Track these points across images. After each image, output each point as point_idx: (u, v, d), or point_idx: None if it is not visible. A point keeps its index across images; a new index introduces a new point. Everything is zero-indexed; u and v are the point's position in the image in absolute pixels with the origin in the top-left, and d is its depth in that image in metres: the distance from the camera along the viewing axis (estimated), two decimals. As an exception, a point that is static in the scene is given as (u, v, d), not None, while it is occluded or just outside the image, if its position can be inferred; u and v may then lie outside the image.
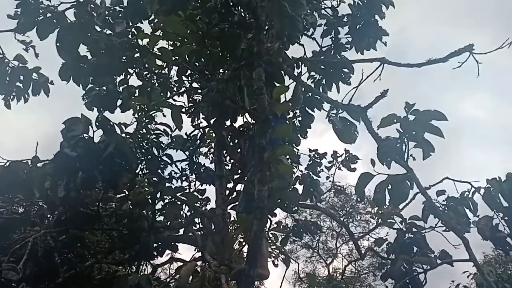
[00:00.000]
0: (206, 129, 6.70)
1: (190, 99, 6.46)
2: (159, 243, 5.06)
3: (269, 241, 6.31)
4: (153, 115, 5.98)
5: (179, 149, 6.38)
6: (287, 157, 4.25)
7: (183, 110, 6.37)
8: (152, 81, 5.93)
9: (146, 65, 5.15)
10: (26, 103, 5.47)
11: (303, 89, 4.99)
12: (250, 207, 3.93)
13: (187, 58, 4.98)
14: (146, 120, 5.90)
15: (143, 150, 5.79)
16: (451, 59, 3.19)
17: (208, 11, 4.37)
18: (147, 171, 5.62)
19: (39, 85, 5.44)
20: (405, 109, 3.05)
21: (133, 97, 5.12)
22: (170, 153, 6.12)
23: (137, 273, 5.61)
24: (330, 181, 8.11)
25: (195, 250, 5.32)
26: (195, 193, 5.97)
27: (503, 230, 3.67)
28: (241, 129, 5.97)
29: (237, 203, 5.31)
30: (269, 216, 5.46)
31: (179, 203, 5.13)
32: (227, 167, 6.32)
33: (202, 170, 6.59)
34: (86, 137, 3.61)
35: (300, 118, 6.52)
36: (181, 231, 5.30)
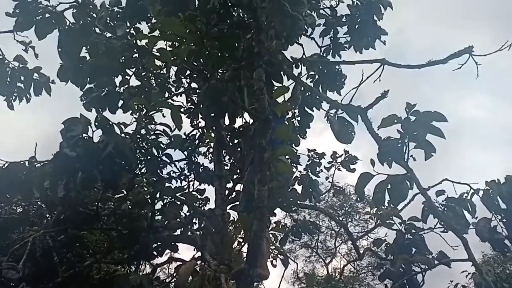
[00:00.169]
0: (205, 129, 6.70)
1: (189, 99, 6.47)
2: (159, 243, 5.06)
3: (269, 241, 6.31)
4: (152, 115, 5.98)
5: (178, 148, 6.38)
6: (287, 157, 4.26)
7: (182, 110, 6.38)
8: (151, 81, 5.92)
9: (145, 66, 5.15)
10: (28, 103, 5.48)
11: (302, 88, 5.00)
12: (250, 207, 3.94)
13: (185, 59, 4.98)
14: (146, 121, 5.89)
15: (142, 150, 5.79)
16: (451, 60, 3.19)
17: (207, 11, 4.37)
18: (146, 171, 5.61)
19: (40, 85, 5.44)
20: (406, 110, 3.06)
21: (132, 98, 5.11)
22: (170, 153, 6.12)
23: (137, 273, 5.61)
24: (329, 181, 8.13)
25: (194, 250, 5.33)
26: (194, 193, 5.98)
27: (501, 232, 3.69)
28: (241, 129, 5.97)
29: (236, 203, 5.31)
30: (269, 216, 5.47)
31: (178, 203, 5.14)
32: (226, 167, 6.33)
33: (201, 170, 6.60)
34: (85, 137, 3.61)
35: (299, 118, 6.53)
36: (181, 231, 5.30)
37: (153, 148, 5.86)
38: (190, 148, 6.65)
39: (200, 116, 6.45)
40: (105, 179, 3.77)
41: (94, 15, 4.91)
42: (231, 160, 6.71)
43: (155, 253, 5.11)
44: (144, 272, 7.02)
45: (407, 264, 4.43)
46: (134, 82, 5.44)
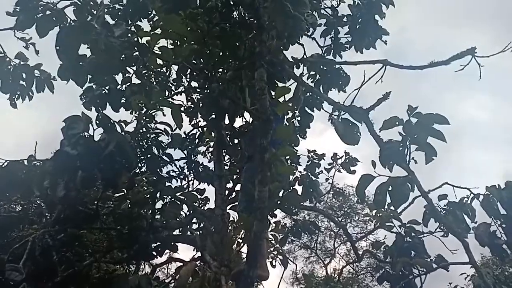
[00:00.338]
0: (205, 128, 6.69)
1: (189, 98, 6.45)
2: (158, 243, 5.05)
3: (269, 242, 6.30)
4: (153, 114, 5.96)
5: (178, 147, 6.37)
6: (287, 157, 4.26)
7: (182, 109, 6.36)
8: (151, 79, 5.91)
9: (146, 64, 5.14)
10: (31, 101, 5.46)
11: (303, 89, 4.98)
12: (251, 208, 3.93)
13: (186, 57, 4.96)
14: (146, 119, 5.88)
15: (142, 149, 5.77)
16: (452, 61, 3.18)
17: (208, 10, 4.36)
18: (146, 170, 5.60)
19: (42, 82, 5.42)
20: (408, 112, 3.05)
21: (133, 96, 5.10)
22: (170, 152, 6.11)
23: (136, 272, 5.60)
24: (329, 183, 8.12)
25: (194, 250, 5.32)
26: (194, 192, 5.96)
27: (500, 237, 3.69)
28: (241, 128, 5.96)
29: (236, 203, 5.30)
30: (269, 217, 5.47)
31: (178, 202, 5.12)
32: (226, 167, 6.31)
33: (201, 169, 6.58)
34: (86, 135, 3.59)
35: (299, 118, 6.52)
36: (180, 231, 5.29)
37: (153, 147, 5.84)
38: (190, 147, 6.64)
39: (200, 115, 6.43)
40: (105, 177, 3.76)
41: (95, 12, 4.89)
42: (231, 160, 6.69)
43: (154, 253, 5.10)
44: (144, 272, 7.03)
45: (407, 267, 4.42)
46: (134, 80, 5.44)
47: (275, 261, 6.71)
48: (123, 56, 4.88)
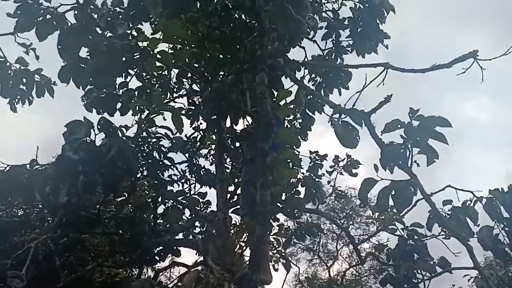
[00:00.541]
0: (206, 132, 6.68)
1: (190, 101, 6.45)
2: (161, 248, 5.04)
3: (271, 245, 6.29)
4: (153, 118, 5.96)
5: (179, 151, 6.36)
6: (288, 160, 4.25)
7: (183, 112, 6.36)
8: (152, 82, 5.91)
9: (146, 67, 5.13)
10: (31, 105, 5.47)
11: (304, 92, 4.98)
12: (253, 212, 3.91)
13: (187, 61, 4.96)
14: (147, 124, 5.88)
15: (144, 154, 5.77)
16: (454, 64, 3.17)
17: (208, 14, 4.36)
18: (148, 174, 5.59)
19: (42, 87, 5.44)
20: (409, 115, 3.04)
21: (133, 100, 5.10)
22: (171, 156, 6.11)
23: (139, 277, 5.59)
24: (331, 185, 8.10)
25: (196, 254, 5.30)
26: (196, 196, 5.95)
27: (503, 241, 3.67)
28: (242, 132, 5.95)
29: (238, 206, 5.29)
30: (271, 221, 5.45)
31: (180, 206, 5.11)
32: (228, 170, 6.30)
33: (202, 173, 6.57)
34: (88, 140, 3.59)
35: (300, 121, 6.51)
36: (183, 235, 5.28)
37: (155, 151, 5.84)
38: (191, 150, 6.63)
39: (201, 118, 6.43)
40: (106, 182, 3.75)
41: (95, 16, 4.89)
42: (233, 163, 6.68)
43: (157, 258, 5.09)
44: (147, 276, 7.01)
45: (410, 270, 4.40)
46: (135, 83, 5.44)
47: (278, 264, 6.70)
48: (124, 58, 4.90)
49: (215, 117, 5.23)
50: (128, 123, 5.03)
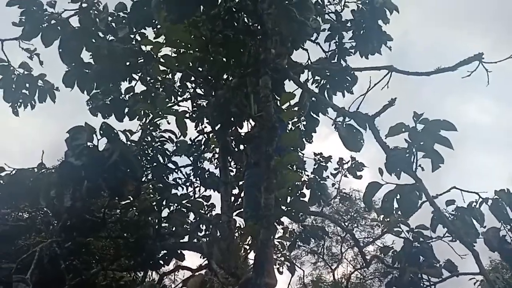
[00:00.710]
0: (211, 135, 6.69)
1: (194, 104, 6.45)
2: (165, 251, 5.04)
3: (275, 249, 6.27)
4: (157, 122, 5.97)
5: (184, 154, 6.37)
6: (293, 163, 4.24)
7: (187, 115, 6.37)
8: (156, 86, 5.92)
9: (150, 72, 5.15)
10: (33, 109, 5.49)
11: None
12: (257, 215, 3.91)
13: (190, 64, 4.97)
14: (151, 128, 5.89)
15: (148, 158, 5.78)
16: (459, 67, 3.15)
17: (211, 17, 4.36)
18: (152, 178, 5.60)
19: (44, 92, 5.45)
20: (414, 119, 3.02)
21: (137, 104, 5.12)
22: (175, 159, 6.11)
23: (144, 280, 5.59)
24: (335, 188, 8.07)
25: (201, 257, 5.30)
26: (200, 199, 5.95)
27: (510, 242, 3.63)
28: (246, 135, 5.94)
29: (242, 209, 5.28)
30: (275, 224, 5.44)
31: (184, 210, 5.11)
32: (232, 173, 6.29)
33: (206, 176, 6.57)
34: (90, 146, 3.60)
35: (305, 123, 6.49)
36: (187, 238, 5.28)
37: (159, 155, 5.85)
38: (196, 153, 6.63)
39: (206, 121, 6.43)
40: (110, 187, 3.76)
41: (98, 20, 4.92)
42: (237, 166, 6.68)
43: (161, 261, 5.09)
44: (151, 279, 7.01)
45: (416, 274, 4.36)
46: (140, 87, 5.46)
47: (282, 268, 6.68)
48: (128, 63, 4.92)
49: (219, 122, 5.24)
50: (132, 128, 5.07)
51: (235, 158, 6.23)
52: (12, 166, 4.39)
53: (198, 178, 6.57)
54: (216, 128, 5.62)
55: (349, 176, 7.55)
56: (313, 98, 5.80)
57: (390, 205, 3.10)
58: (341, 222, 15.28)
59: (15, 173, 4.39)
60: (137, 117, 5.33)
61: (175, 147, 6.04)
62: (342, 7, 6.38)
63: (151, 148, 5.84)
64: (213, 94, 5.29)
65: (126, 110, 5.04)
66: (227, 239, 4.96)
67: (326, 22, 6.29)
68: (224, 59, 4.77)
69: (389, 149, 3.12)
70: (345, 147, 3.47)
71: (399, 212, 3.59)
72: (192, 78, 5.68)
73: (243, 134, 5.66)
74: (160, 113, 4.83)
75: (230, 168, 6.12)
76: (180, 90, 6.18)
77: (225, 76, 5.20)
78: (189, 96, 6.08)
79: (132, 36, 5.26)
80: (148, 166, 5.74)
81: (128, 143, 3.99)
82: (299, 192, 6.33)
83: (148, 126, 5.68)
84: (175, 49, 5.14)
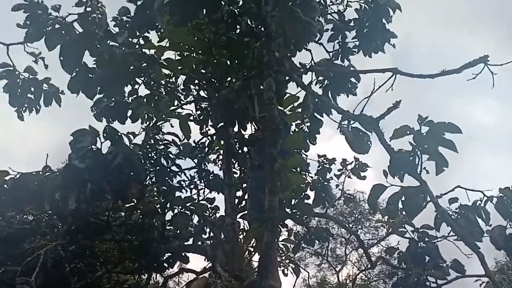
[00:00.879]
0: (214, 137, 6.69)
1: (198, 106, 6.46)
2: (170, 254, 5.04)
3: (280, 251, 6.26)
4: (160, 125, 5.97)
5: (188, 157, 6.37)
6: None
7: (191, 118, 6.37)
8: (160, 89, 5.93)
9: (153, 75, 5.16)
10: (38, 114, 5.50)
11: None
12: (261, 218, 3.90)
13: (194, 67, 4.97)
14: (154, 131, 5.89)
15: (152, 161, 5.78)
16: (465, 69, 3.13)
17: (215, 20, 4.36)
18: (156, 181, 5.60)
19: (50, 96, 5.47)
20: (418, 121, 3.00)
21: (141, 107, 5.12)
22: (179, 162, 6.12)
23: (148, 283, 5.58)
24: (339, 189, 8.05)
25: (205, 260, 5.29)
26: (204, 202, 5.95)
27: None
28: (250, 137, 5.94)
29: (246, 211, 5.27)
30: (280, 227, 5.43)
31: (188, 212, 5.11)
32: (236, 175, 6.28)
33: (211, 178, 6.57)
34: (94, 149, 3.61)
35: (308, 124, 6.48)
36: (191, 241, 5.27)
37: (162, 158, 5.85)
38: (200, 155, 6.63)
39: (210, 123, 6.43)
40: (114, 190, 3.77)
41: (95, 26, 4.92)
42: (241, 168, 6.67)
43: (165, 264, 5.08)
44: (156, 281, 7.01)
45: (421, 276, 4.33)
46: (143, 91, 5.46)
47: (287, 270, 6.66)
48: (131, 67, 4.93)
49: (223, 124, 5.24)
50: (135, 131, 5.07)
51: (239, 160, 6.22)
52: (18, 169, 4.43)
53: (202, 180, 6.58)
54: (219, 127, 5.61)
55: (353, 177, 7.52)
56: (316, 100, 5.79)
57: (395, 207, 3.09)
58: (346, 224, 15.22)
59: (19, 177, 4.41)
60: (140, 120, 5.32)
61: (178, 150, 6.04)
62: (345, 7, 6.37)
63: (154, 151, 5.85)
64: (216, 96, 5.29)
65: (129, 113, 5.03)
66: (231, 242, 4.96)
67: (329, 22, 6.29)
68: (228, 62, 4.78)
69: (394, 152, 3.11)
70: (352, 150, 3.47)
71: (406, 216, 3.58)
72: (196, 81, 5.69)
73: (247, 136, 5.66)
74: (163, 116, 4.82)
75: (234, 170, 6.11)
76: (184, 93, 6.19)
77: (228, 79, 5.20)
78: (192, 99, 6.09)
79: (135, 40, 5.28)
80: (152, 169, 5.75)
81: (131, 146, 3.98)
82: (303, 194, 6.32)
83: (151, 129, 5.68)
84: (178, 52, 5.15)
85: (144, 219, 4.97)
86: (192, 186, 6.52)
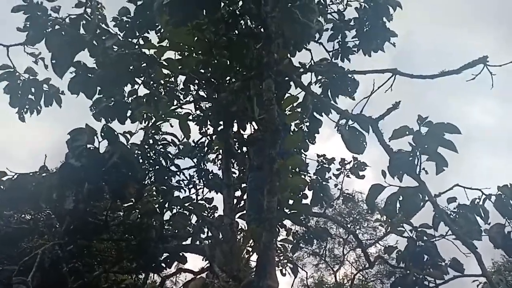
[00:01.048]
0: (214, 136, 6.68)
1: (197, 106, 6.45)
2: (167, 254, 5.03)
3: (278, 251, 6.26)
4: (159, 125, 5.96)
5: (187, 156, 6.36)
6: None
7: (190, 117, 6.36)
8: (160, 89, 5.92)
9: (152, 75, 5.15)
10: (39, 115, 5.48)
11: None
12: (260, 218, 3.90)
13: (194, 67, 4.97)
14: (153, 131, 5.88)
15: (150, 161, 5.77)
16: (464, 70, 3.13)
17: (215, 21, 4.37)
18: (155, 181, 5.60)
19: (50, 96, 5.45)
20: (418, 122, 3.01)
21: (140, 107, 5.11)
22: (178, 162, 6.10)
23: (145, 283, 5.58)
24: (338, 188, 8.03)
25: (203, 260, 5.29)
26: (202, 201, 5.94)
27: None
28: (249, 138, 5.93)
29: (245, 212, 5.27)
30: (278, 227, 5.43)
31: (186, 212, 5.11)
32: (234, 175, 6.28)
33: (210, 177, 6.56)
34: (91, 147, 3.60)
35: (307, 124, 6.48)
36: (189, 241, 5.27)
37: (161, 158, 5.84)
38: (199, 155, 6.63)
39: (209, 123, 6.43)
40: (112, 189, 3.76)
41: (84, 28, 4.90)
42: (240, 169, 6.67)
43: (163, 264, 5.08)
44: (153, 280, 7.00)
45: (420, 275, 4.34)
46: (143, 90, 5.45)
47: (285, 269, 6.66)
48: (131, 67, 4.92)
49: (222, 123, 5.24)
50: (133, 130, 5.06)
51: (238, 161, 6.22)
52: (19, 170, 4.42)
53: (201, 180, 6.57)
54: (218, 128, 5.61)
55: (352, 177, 7.51)
56: (315, 99, 5.79)
57: (393, 207, 3.10)
58: (344, 224, 15.23)
59: (17, 177, 4.39)
60: (139, 120, 5.31)
61: (177, 150, 6.04)
62: (345, 6, 6.36)
63: (153, 151, 5.84)
64: (216, 96, 5.29)
65: (129, 113, 5.02)
66: (229, 242, 4.96)
67: (329, 22, 6.29)
68: (228, 62, 4.78)
69: (393, 152, 3.11)
70: (348, 149, 3.46)
71: (404, 216, 3.58)
72: (196, 81, 5.68)
73: (246, 136, 5.66)
74: (163, 116, 4.82)
75: (233, 170, 6.10)
76: (183, 93, 6.18)
77: (228, 79, 5.20)
78: (192, 98, 6.08)
79: (135, 40, 5.27)
80: (151, 168, 5.73)
81: (130, 145, 3.97)
82: (301, 193, 6.32)
83: (150, 129, 5.68)
84: (178, 52, 5.14)
85: (143, 218, 4.97)
86: (191, 186, 6.51)
